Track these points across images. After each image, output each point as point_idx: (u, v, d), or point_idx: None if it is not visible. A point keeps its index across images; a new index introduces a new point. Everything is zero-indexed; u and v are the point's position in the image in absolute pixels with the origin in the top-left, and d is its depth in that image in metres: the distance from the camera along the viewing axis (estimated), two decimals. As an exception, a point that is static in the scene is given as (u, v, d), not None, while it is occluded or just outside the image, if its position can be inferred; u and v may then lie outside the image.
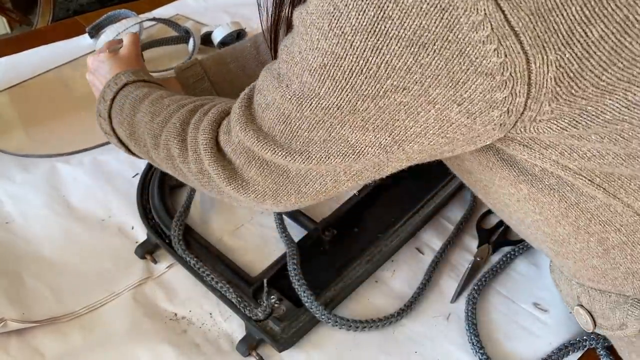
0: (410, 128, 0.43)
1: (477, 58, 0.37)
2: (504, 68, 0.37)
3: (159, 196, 0.76)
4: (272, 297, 0.63)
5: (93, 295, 0.68)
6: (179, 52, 1.10)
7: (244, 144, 0.50)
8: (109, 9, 1.17)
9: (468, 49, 0.37)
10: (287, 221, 0.74)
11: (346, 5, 0.39)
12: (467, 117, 0.41)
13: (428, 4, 0.36)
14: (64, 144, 0.89)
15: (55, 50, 1.11)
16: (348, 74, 0.41)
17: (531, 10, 0.36)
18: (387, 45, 0.39)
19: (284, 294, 0.64)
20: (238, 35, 1.10)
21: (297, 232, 0.72)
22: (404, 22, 0.37)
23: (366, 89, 0.41)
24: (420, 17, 0.37)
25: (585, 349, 0.61)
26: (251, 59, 0.81)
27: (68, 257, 0.73)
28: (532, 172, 0.47)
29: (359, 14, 0.38)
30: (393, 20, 0.38)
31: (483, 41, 0.36)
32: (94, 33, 1.12)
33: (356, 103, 0.42)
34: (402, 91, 0.40)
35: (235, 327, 0.65)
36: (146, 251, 0.71)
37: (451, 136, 0.43)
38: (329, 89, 0.42)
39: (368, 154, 0.45)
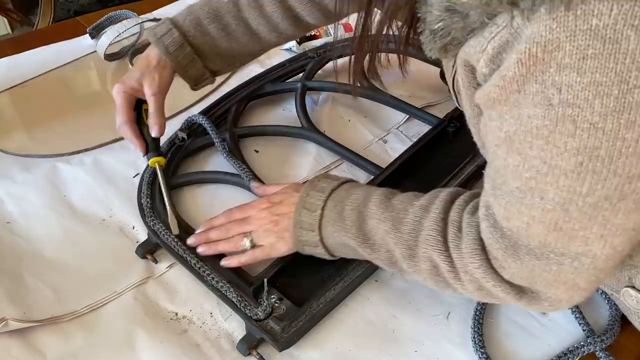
0: None
1: None
2: None
3: (159, 196, 0.77)
4: (272, 296, 0.63)
5: (94, 295, 0.68)
6: (180, 53, 1.10)
7: (522, 273, 0.50)
8: (109, 9, 1.17)
9: None
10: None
11: (585, 98, 0.39)
12: None
13: None
14: (64, 144, 0.89)
15: (56, 51, 1.11)
16: (608, 162, 0.41)
17: None
18: None
19: (284, 293, 0.65)
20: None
21: (297, 232, 0.72)
22: None
23: (629, 170, 0.41)
24: None
25: (584, 353, 0.62)
26: (231, 18, 0.76)
27: (69, 256, 0.73)
28: None
29: (602, 99, 0.38)
30: None
31: None
32: (95, 34, 1.12)
33: (623, 187, 0.42)
34: None
35: (235, 327, 0.65)
36: (147, 251, 0.72)
37: None
38: (591, 183, 0.42)
39: None
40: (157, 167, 0.74)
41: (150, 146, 0.75)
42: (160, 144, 0.78)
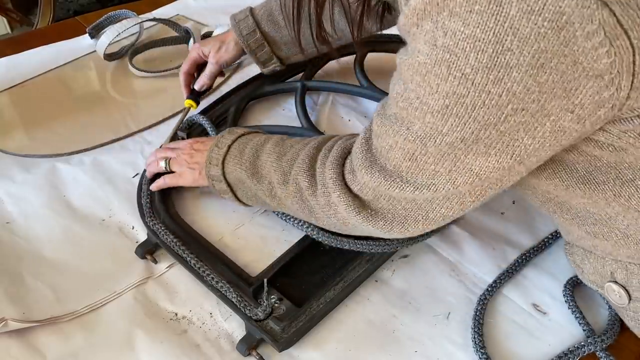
0: (530, 145, 0.46)
1: (589, 64, 0.40)
2: (612, 66, 0.40)
3: (159, 196, 0.77)
4: (272, 297, 0.63)
5: (94, 295, 0.68)
6: (179, 53, 1.10)
7: (370, 185, 0.55)
8: (109, 9, 1.17)
9: (581, 57, 0.40)
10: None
11: (463, 49, 0.42)
12: (578, 123, 0.44)
13: (545, 27, 0.40)
14: (64, 144, 0.89)
15: (55, 51, 1.12)
16: (471, 109, 0.45)
17: (638, 5, 0.40)
18: (508, 75, 0.42)
19: (284, 293, 0.65)
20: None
21: (297, 232, 0.72)
22: (523, 50, 0.41)
23: (488, 118, 0.45)
24: (538, 42, 0.40)
25: (584, 353, 0.62)
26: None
27: (68, 256, 0.73)
28: (592, 153, 0.49)
29: (477, 54, 0.42)
30: (512, 51, 0.41)
31: (596, 47, 0.40)
32: (95, 33, 1.12)
33: (479, 133, 0.46)
34: (521, 112, 0.44)
35: (235, 327, 0.65)
36: (146, 251, 0.72)
37: (565, 143, 0.47)
38: (452, 125, 0.46)
39: (492, 176, 0.49)
40: (187, 108, 0.90)
41: (192, 95, 0.91)
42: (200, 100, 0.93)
